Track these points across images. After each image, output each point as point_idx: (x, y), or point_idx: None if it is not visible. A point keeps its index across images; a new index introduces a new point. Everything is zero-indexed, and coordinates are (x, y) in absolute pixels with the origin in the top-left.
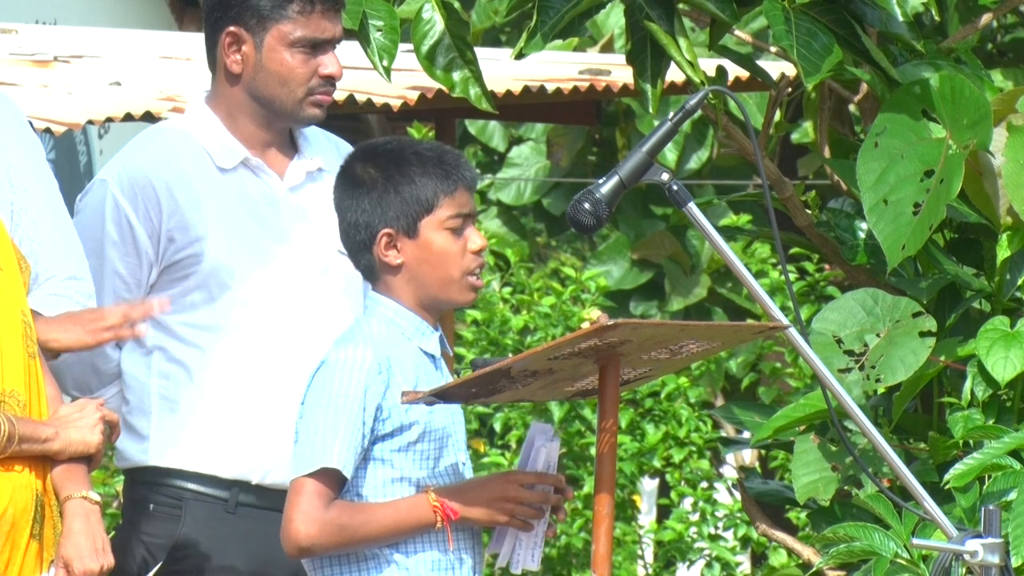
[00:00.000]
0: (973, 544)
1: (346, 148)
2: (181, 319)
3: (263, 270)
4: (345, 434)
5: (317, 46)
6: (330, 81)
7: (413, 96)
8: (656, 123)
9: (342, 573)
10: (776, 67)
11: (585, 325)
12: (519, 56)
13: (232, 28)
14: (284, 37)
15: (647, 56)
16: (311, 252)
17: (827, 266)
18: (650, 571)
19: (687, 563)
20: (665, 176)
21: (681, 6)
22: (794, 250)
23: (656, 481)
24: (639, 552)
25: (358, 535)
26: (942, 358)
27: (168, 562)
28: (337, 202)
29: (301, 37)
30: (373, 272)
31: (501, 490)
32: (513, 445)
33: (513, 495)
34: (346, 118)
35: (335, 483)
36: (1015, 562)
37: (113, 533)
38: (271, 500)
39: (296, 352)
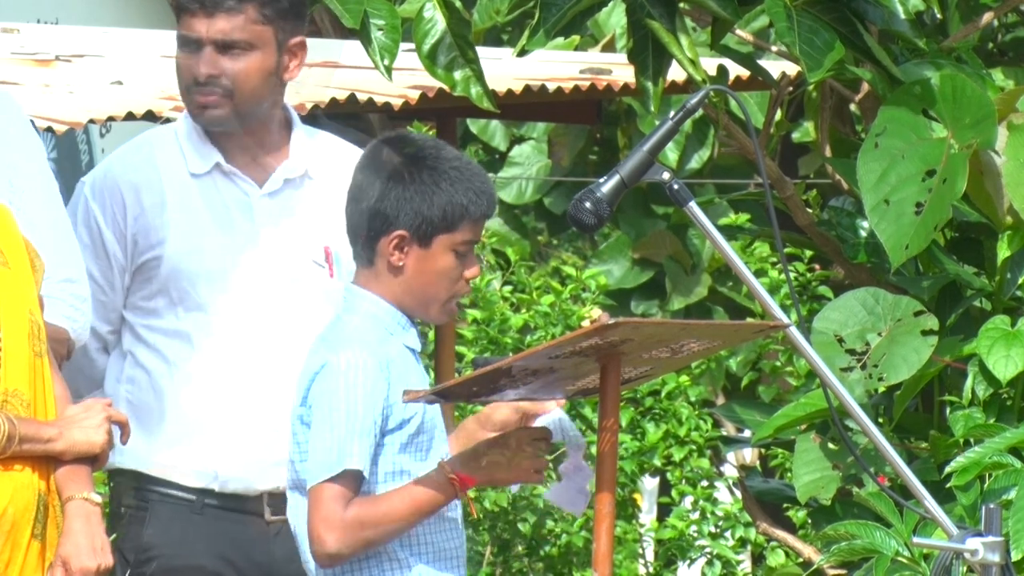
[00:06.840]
0: (974, 542)
1: (354, 157)
2: (146, 323)
3: (228, 277)
4: (361, 434)
5: (190, 44)
6: (211, 81)
7: (414, 95)
8: (657, 122)
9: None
10: (777, 66)
11: (586, 324)
12: (521, 53)
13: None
14: (178, 36)
15: (648, 54)
16: (282, 260)
17: (817, 266)
18: (651, 569)
19: (688, 562)
20: (666, 175)
21: (682, 5)
22: (786, 250)
23: (657, 480)
24: (640, 551)
25: (381, 527)
26: (944, 357)
27: (135, 564)
28: (358, 182)
29: (182, 35)
30: (370, 261)
31: (517, 446)
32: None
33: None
34: (347, 117)
35: (354, 484)
36: (1015, 556)
37: (115, 536)
38: (238, 502)
39: (260, 360)
